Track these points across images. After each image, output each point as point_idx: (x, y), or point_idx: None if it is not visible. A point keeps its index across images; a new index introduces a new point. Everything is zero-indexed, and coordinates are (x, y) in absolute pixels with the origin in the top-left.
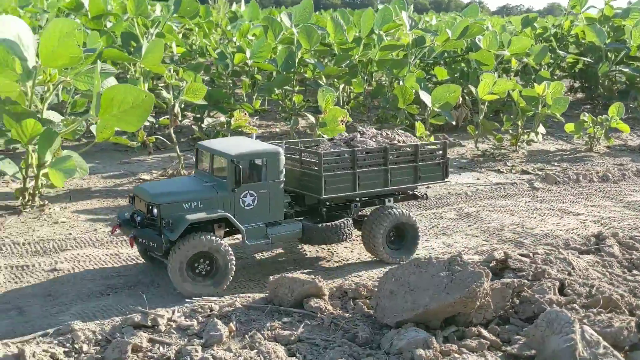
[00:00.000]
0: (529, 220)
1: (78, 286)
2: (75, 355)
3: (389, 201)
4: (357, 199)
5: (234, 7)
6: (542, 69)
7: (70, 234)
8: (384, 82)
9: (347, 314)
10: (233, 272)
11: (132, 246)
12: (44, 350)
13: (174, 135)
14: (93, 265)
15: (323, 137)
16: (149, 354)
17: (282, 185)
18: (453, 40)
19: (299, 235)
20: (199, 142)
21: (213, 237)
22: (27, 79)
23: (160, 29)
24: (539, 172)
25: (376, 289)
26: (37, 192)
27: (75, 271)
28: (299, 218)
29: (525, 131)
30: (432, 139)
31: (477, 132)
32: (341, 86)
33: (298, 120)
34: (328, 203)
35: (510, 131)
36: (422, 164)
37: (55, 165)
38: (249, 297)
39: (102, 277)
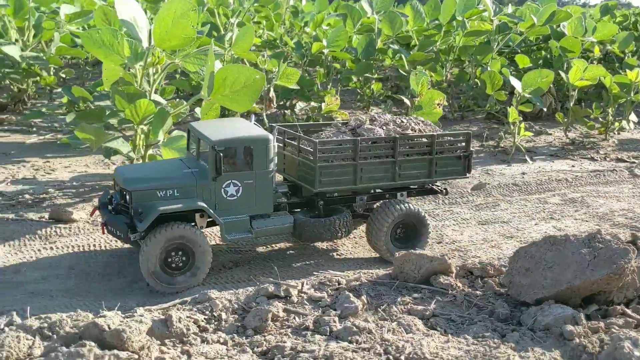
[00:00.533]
0: (638, 206)
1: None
2: (216, 323)
3: (402, 195)
4: (372, 191)
5: (292, 1)
6: (627, 57)
7: None
8: (465, 69)
9: (478, 292)
10: (210, 264)
11: (103, 233)
12: (187, 317)
13: (266, 121)
14: (216, 240)
15: (337, 121)
16: (286, 323)
17: (272, 175)
18: (538, 27)
19: (289, 229)
20: (190, 123)
21: (188, 228)
22: (136, 61)
23: (240, 18)
24: (635, 160)
25: (505, 268)
26: None
27: None
28: (297, 210)
29: (616, 119)
30: (522, 126)
31: (565, 119)
32: None
33: (392, 103)
34: (328, 196)
35: (601, 119)
36: (439, 156)
37: (168, 145)
38: (371, 272)
39: (226, 250)
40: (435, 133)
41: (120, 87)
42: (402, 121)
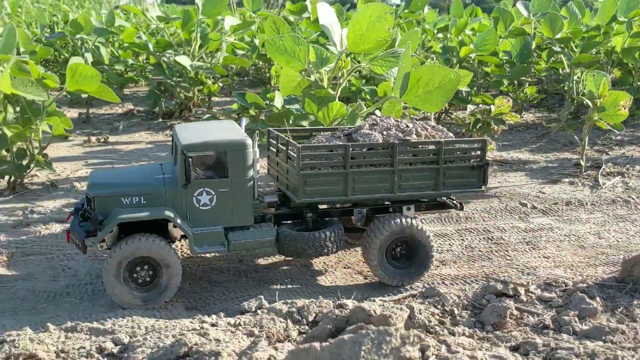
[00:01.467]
0: None
1: None
2: (450, 317)
3: (408, 209)
4: (384, 202)
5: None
6: None
7: None
8: (628, 72)
9: None
10: (179, 280)
11: (68, 241)
12: (425, 309)
13: (433, 122)
14: None
15: (344, 126)
16: (521, 320)
17: (252, 183)
18: None
19: (270, 243)
20: (175, 125)
21: (156, 240)
22: (322, 66)
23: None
24: None
25: None
26: None
27: None
28: (288, 222)
29: None
30: None
31: None
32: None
33: (571, 106)
34: (321, 207)
35: None
36: (448, 166)
37: None
38: (592, 275)
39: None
40: (442, 140)
41: (311, 90)
42: (407, 126)
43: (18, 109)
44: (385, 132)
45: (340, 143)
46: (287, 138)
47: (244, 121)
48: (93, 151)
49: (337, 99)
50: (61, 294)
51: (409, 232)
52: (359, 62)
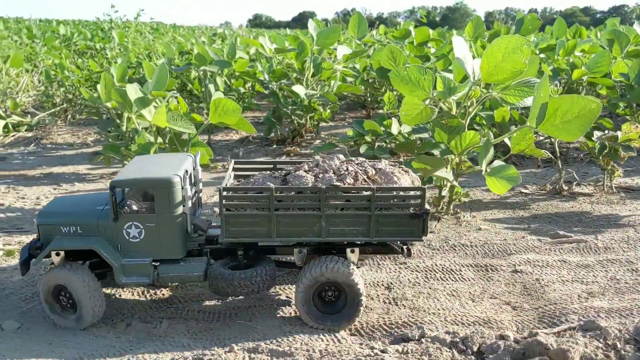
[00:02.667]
0: None
1: (559, 287)
2: (613, 351)
3: (352, 252)
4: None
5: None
6: None
7: (505, 239)
8: None
9: None
10: (96, 309)
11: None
12: (589, 343)
13: (557, 149)
14: (551, 270)
15: (309, 160)
16: None
17: (181, 219)
18: None
19: (199, 278)
20: (136, 156)
21: (66, 270)
22: (449, 95)
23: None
24: None
25: None
26: (454, 200)
27: (534, 273)
28: (225, 256)
29: None
30: None
31: None
32: None
33: None
34: (260, 244)
35: None
36: (383, 214)
37: (495, 174)
38: None
39: (581, 279)
40: (374, 187)
41: (442, 120)
42: (347, 169)
43: (163, 139)
44: (320, 175)
45: (266, 185)
46: (228, 174)
47: (199, 155)
48: (219, 177)
49: (466, 128)
50: (230, 315)
51: (337, 278)
52: (489, 91)
